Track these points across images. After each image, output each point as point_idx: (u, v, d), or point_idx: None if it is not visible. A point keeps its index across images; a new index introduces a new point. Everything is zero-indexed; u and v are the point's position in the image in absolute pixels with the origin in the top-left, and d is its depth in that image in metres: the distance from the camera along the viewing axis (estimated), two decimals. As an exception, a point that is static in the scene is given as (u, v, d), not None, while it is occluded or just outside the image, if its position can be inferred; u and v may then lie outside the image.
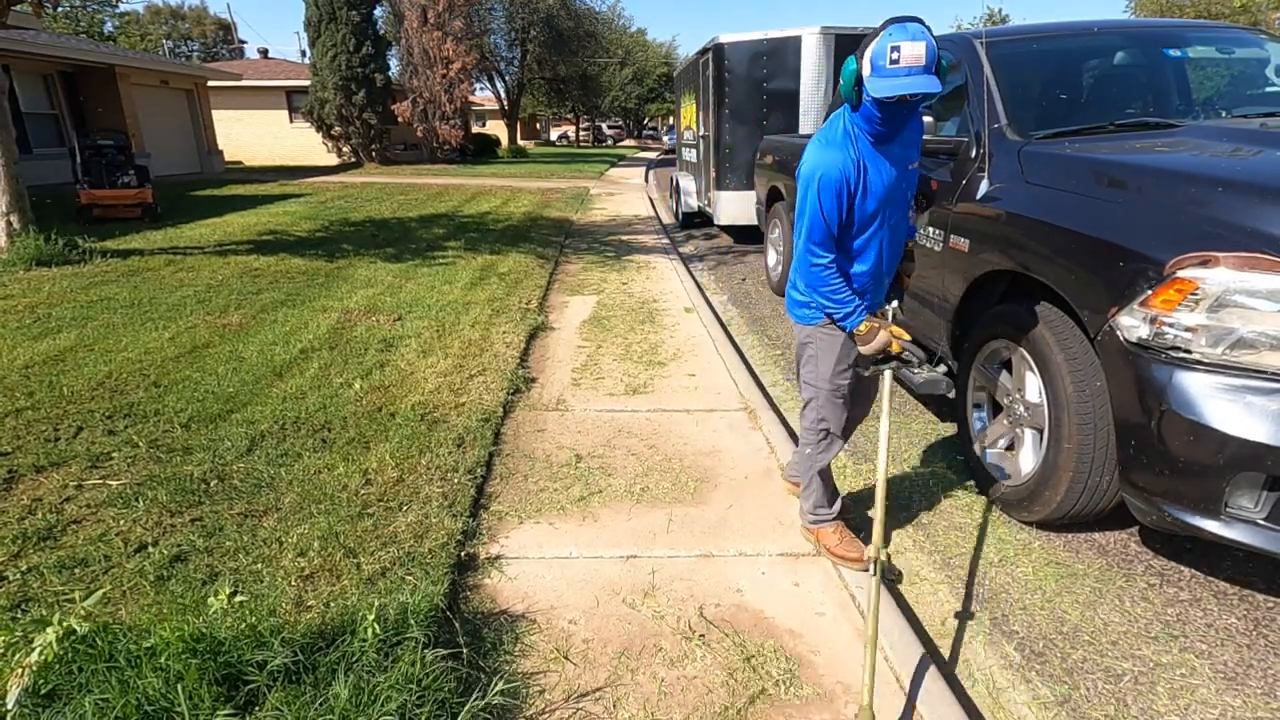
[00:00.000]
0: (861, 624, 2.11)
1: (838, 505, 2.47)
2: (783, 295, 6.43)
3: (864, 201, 2.04)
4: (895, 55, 1.80)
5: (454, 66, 22.13)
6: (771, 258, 6.66)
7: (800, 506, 2.54)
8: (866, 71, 1.88)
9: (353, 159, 23.28)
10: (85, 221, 9.54)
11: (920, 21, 1.83)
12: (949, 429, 3.58)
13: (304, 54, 28.58)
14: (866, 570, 2.22)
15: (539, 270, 7.15)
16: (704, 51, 8.87)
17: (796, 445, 2.71)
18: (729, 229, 9.92)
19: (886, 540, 2.43)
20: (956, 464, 3.21)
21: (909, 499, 2.95)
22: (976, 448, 2.92)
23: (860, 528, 2.63)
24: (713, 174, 8.85)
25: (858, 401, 2.44)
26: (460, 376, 4.02)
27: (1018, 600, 2.32)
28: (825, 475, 2.43)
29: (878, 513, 2.02)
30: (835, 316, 2.14)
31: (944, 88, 1.88)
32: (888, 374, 2.12)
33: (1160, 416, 2.03)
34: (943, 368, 2.41)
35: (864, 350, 2.12)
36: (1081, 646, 2.10)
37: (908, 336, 2.11)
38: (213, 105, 20.72)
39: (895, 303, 2.31)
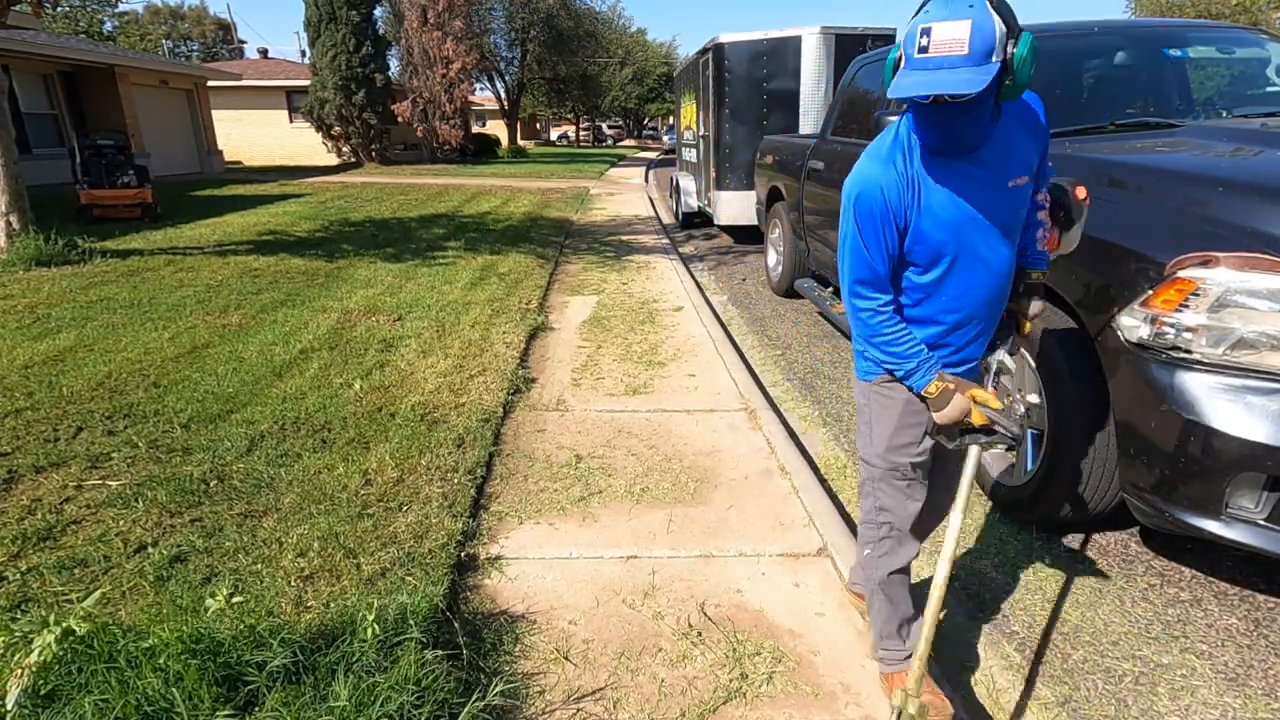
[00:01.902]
0: (862, 624, 2.11)
1: (913, 637, 1.83)
2: (783, 295, 6.44)
3: (924, 229, 1.54)
4: (925, 40, 1.33)
5: (454, 66, 22.13)
6: (772, 258, 6.66)
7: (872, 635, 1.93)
8: (903, 63, 1.41)
9: (353, 159, 23.28)
10: (85, 221, 9.53)
11: None
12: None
13: (304, 54, 28.62)
14: None
15: (539, 270, 7.14)
16: (704, 51, 8.86)
17: (857, 538, 2.12)
18: (729, 229, 9.92)
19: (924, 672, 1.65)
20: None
21: (909, 499, 2.95)
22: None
23: (951, 662, 2.02)
24: (713, 174, 8.85)
25: (940, 486, 1.84)
26: (460, 377, 4.02)
27: (1018, 600, 2.32)
28: (893, 590, 1.81)
29: (921, 643, 1.58)
30: (896, 374, 1.65)
31: (1004, 79, 1.36)
32: (973, 451, 1.61)
33: (1160, 417, 2.03)
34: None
35: (937, 418, 1.62)
36: (1082, 647, 2.10)
37: (998, 404, 1.57)
38: (213, 105, 20.71)
39: (1001, 354, 1.73)
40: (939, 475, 1.84)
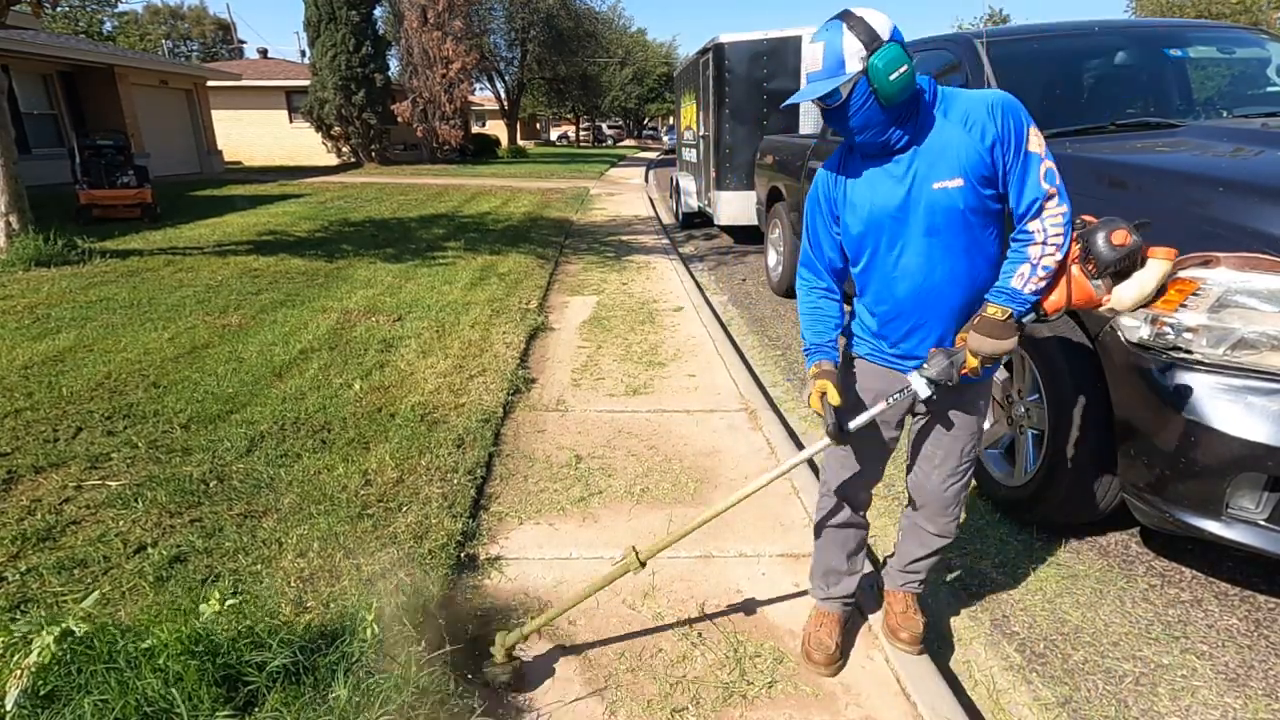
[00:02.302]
0: (862, 622, 2.11)
1: (838, 588, 1.99)
2: (783, 295, 6.44)
3: (846, 222, 1.72)
4: (805, 61, 1.60)
5: (454, 66, 22.13)
6: (772, 258, 6.66)
7: None
8: None
9: (353, 159, 23.27)
10: (85, 222, 9.53)
11: (843, 17, 1.52)
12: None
13: (304, 54, 28.59)
14: (825, 674, 1.92)
15: (539, 270, 7.14)
16: (704, 51, 8.86)
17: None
18: (729, 229, 9.92)
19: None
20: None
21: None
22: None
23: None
24: (713, 174, 8.85)
25: (923, 470, 1.90)
26: (460, 377, 4.02)
27: (1019, 601, 2.32)
28: (824, 539, 2.00)
29: (664, 538, 1.75)
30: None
31: (857, 85, 1.50)
32: (824, 438, 1.72)
33: (1161, 417, 2.03)
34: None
35: None
36: (1082, 647, 2.10)
37: (836, 401, 1.66)
38: (212, 105, 20.71)
39: (913, 373, 1.65)
40: (916, 458, 1.92)
